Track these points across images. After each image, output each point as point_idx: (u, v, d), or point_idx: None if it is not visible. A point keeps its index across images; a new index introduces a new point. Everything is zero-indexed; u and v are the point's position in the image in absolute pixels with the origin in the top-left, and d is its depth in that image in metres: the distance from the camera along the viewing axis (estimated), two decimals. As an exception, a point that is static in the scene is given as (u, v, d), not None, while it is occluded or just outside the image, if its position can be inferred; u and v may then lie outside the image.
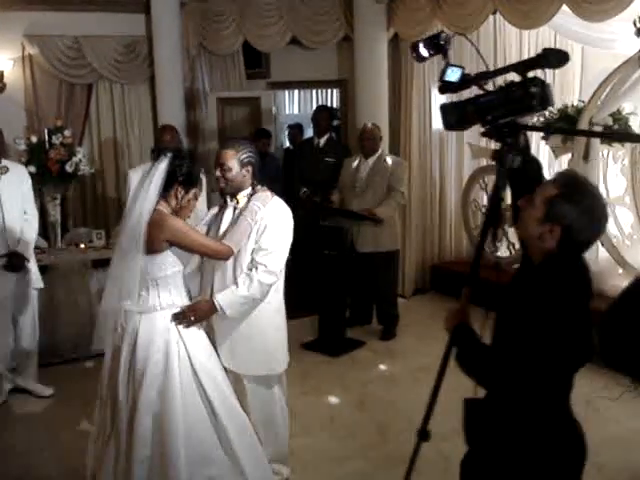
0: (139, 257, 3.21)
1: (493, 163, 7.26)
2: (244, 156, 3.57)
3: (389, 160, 6.37)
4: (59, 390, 5.36)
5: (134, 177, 5.14)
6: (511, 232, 7.05)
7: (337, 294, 6.26)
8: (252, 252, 3.53)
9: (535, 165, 2.51)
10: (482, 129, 2.41)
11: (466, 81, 2.39)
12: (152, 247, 3.23)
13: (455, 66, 2.37)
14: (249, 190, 3.62)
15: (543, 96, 2.18)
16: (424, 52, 2.38)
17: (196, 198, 3.43)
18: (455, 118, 2.43)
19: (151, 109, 8.08)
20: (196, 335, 3.40)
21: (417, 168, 7.53)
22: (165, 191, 3.28)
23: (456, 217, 7.85)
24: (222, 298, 3.46)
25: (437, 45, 2.36)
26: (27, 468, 4.29)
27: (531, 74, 2.24)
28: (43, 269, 5.70)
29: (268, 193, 3.60)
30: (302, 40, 8.01)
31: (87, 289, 6.06)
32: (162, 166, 3.25)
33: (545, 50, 2.21)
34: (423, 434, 2.59)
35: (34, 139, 6.25)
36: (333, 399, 5.22)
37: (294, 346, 6.18)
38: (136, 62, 7.92)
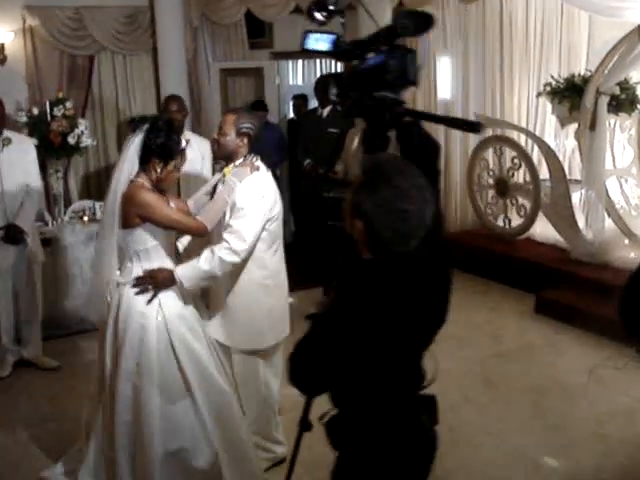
0: (115, 230, 3.30)
1: (500, 132, 7.16)
2: (243, 125, 3.54)
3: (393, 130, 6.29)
4: (65, 362, 5.37)
5: None
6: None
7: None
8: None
9: (428, 149, 2.16)
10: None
11: (343, 50, 2.15)
12: (126, 222, 3.29)
13: (321, 32, 2.14)
14: (240, 161, 3.57)
15: (402, 70, 1.89)
16: (318, 16, 2.23)
17: (177, 169, 3.41)
18: (335, 91, 2.20)
19: (154, 80, 8.03)
20: (176, 307, 3.41)
21: (422, 138, 7.46)
22: (144, 164, 3.31)
23: (461, 188, 7.80)
24: (181, 270, 3.42)
25: (327, 8, 2.20)
26: (32, 439, 4.32)
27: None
28: (47, 242, 5.69)
29: (247, 168, 3.51)
30: (305, 9, 7.90)
31: (91, 261, 6.05)
32: (137, 139, 3.28)
33: (398, 15, 1.93)
34: (304, 425, 2.45)
35: (35, 111, 6.22)
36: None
37: (298, 318, 6.21)
38: (138, 33, 7.85)
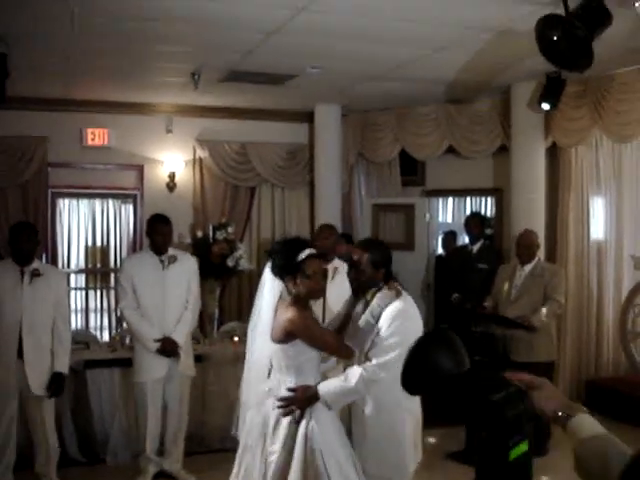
0: (268, 344, 3.48)
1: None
2: (375, 255, 3.57)
3: (546, 268, 6.19)
4: (202, 479, 5.41)
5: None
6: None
7: (486, 403, 6.02)
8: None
9: None
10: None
11: None
12: (278, 337, 3.43)
13: None
14: (380, 286, 3.59)
15: None
16: None
17: (312, 279, 3.46)
18: None
19: (309, 212, 8.41)
20: (326, 425, 3.43)
21: (573, 278, 7.28)
22: (285, 283, 3.50)
23: (614, 331, 7.46)
24: (325, 386, 3.44)
25: None
26: None
27: None
28: (197, 358, 5.89)
29: (393, 293, 3.52)
30: (458, 149, 8.10)
31: (237, 381, 6.15)
32: (267, 269, 3.55)
33: None
34: None
35: (199, 234, 6.62)
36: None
37: (439, 456, 6.02)
38: (297, 168, 8.35)
